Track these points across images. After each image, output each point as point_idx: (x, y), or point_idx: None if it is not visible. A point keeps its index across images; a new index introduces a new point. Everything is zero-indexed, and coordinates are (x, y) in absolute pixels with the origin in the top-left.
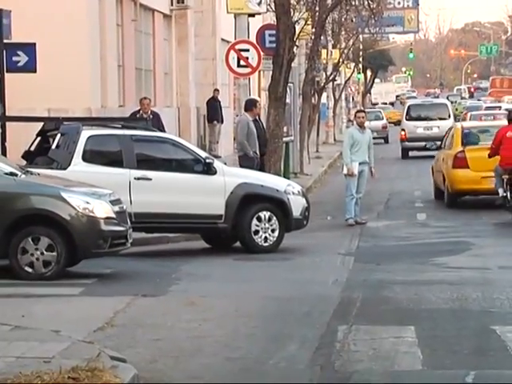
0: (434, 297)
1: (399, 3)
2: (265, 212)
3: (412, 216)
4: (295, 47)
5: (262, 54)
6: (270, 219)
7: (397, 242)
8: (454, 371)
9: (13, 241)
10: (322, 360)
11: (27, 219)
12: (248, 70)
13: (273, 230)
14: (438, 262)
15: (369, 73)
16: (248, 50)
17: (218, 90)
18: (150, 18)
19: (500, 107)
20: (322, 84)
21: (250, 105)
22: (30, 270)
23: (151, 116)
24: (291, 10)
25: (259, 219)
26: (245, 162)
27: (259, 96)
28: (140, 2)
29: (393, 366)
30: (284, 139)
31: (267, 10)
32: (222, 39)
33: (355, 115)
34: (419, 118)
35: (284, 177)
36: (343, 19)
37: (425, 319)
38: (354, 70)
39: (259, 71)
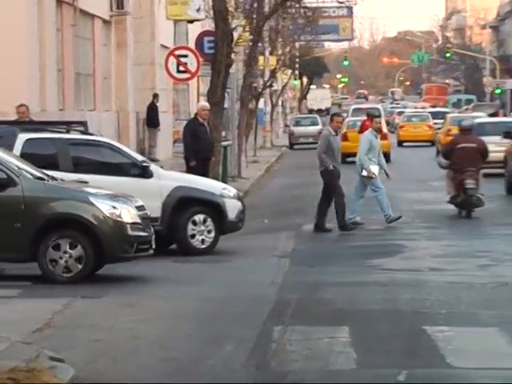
0: (367, 298)
1: (334, 12)
2: (199, 215)
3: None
4: (233, 53)
5: (200, 59)
6: (205, 221)
7: (331, 244)
8: (387, 370)
9: (42, 244)
10: (257, 360)
11: (56, 223)
12: (187, 75)
13: (209, 231)
14: (371, 264)
15: (305, 79)
16: (187, 56)
17: (157, 95)
18: (89, 24)
19: (403, 111)
20: (260, 90)
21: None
22: (57, 272)
23: None
24: (229, 17)
25: (194, 223)
26: None
27: (198, 101)
28: (80, 8)
29: (327, 366)
30: (222, 143)
31: (206, 17)
32: (162, 45)
33: (371, 121)
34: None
35: (222, 180)
36: (280, 27)
37: (358, 320)
38: (290, 77)
39: (198, 77)
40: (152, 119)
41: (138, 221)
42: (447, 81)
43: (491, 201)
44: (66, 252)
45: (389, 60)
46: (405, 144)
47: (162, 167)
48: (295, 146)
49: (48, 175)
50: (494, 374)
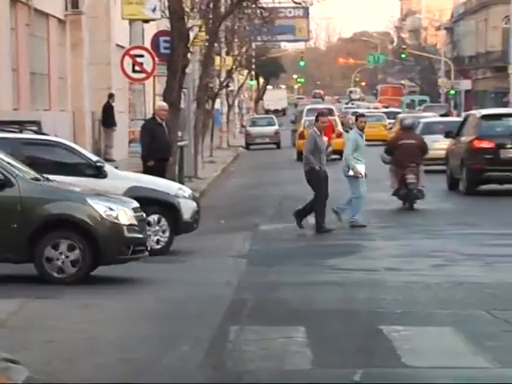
0: (323, 298)
1: (290, 12)
2: (154, 215)
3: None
4: (189, 53)
5: (156, 59)
6: (159, 221)
7: (288, 244)
8: (342, 370)
9: (38, 245)
10: (213, 360)
11: (53, 224)
12: (143, 75)
13: (164, 231)
14: (328, 264)
15: (261, 80)
16: (143, 56)
17: (113, 95)
18: (44, 23)
19: (357, 112)
20: (216, 90)
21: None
22: (54, 274)
23: None
24: (185, 17)
25: (149, 223)
26: None
27: (154, 102)
28: (34, 7)
29: (283, 366)
30: (178, 144)
31: (162, 17)
32: (117, 45)
33: (356, 119)
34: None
35: (178, 181)
36: (236, 27)
37: (315, 320)
38: (246, 77)
39: (154, 77)
40: (108, 119)
41: (135, 222)
42: (402, 81)
43: (440, 199)
44: (62, 253)
45: (345, 61)
46: None
47: (116, 167)
48: (252, 147)
49: (43, 176)
50: (449, 374)
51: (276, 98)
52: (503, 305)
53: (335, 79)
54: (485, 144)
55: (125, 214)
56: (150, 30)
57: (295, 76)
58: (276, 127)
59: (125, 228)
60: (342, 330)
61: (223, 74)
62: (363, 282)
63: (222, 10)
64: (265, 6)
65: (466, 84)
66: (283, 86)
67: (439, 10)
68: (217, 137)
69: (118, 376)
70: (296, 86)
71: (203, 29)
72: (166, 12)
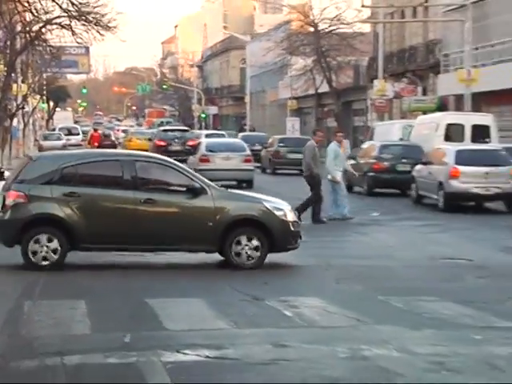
0: (104, 277)
1: (74, 50)
2: None
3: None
4: None
5: None
6: None
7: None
8: (115, 334)
9: (228, 238)
10: (10, 330)
11: (239, 222)
12: None
13: None
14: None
15: (51, 103)
16: None
17: None
18: None
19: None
20: (14, 111)
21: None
22: (238, 260)
23: None
24: None
25: None
26: None
27: None
28: None
29: (68, 331)
30: None
31: None
32: None
33: (335, 135)
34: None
35: None
36: (30, 61)
37: (94, 294)
38: (39, 101)
39: None
40: None
41: (296, 219)
42: (165, 107)
43: None
44: (246, 245)
45: (118, 89)
46: None
47: None
48: None
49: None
50: (199, 334)
51: (63, 118)
52: (242, 280)
53: (111, 103)
54: (162, 143)
55: (290, 213)
56: None
57: (79, 101)
58: (63, 141)
59: (291, 224)
60: (117, 302)
61: (20, 98)
62: (137, 265)
63: (18, 46)
64: (53, 44)
65: (213, 109)
66: (69, 109)
67: (192, 51)
68: (14, 149)
69: None
70: (80, 109)
71: (2, 62)
72: None
